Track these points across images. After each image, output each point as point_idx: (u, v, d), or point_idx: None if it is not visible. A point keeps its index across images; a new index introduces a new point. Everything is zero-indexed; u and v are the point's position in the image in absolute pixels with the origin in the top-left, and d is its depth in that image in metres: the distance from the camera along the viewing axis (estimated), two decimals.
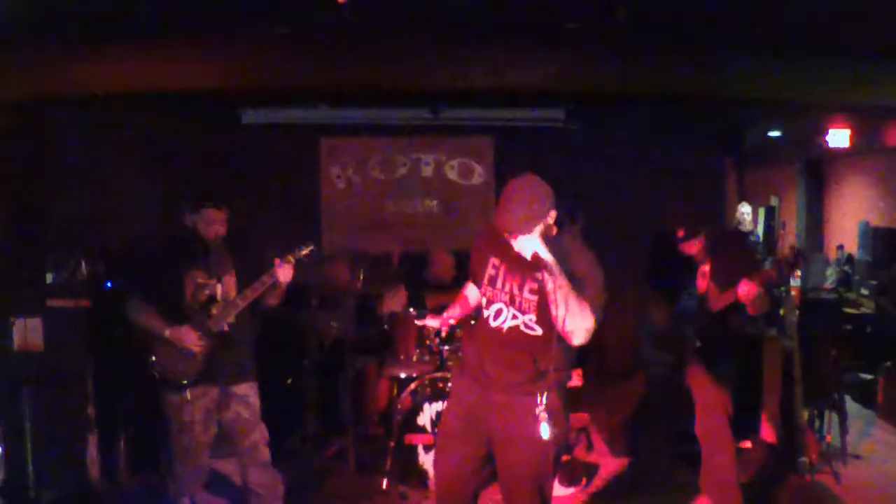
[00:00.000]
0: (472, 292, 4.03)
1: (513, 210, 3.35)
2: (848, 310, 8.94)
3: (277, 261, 4.42)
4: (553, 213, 3.47)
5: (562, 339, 3.41)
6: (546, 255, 3.31)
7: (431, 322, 4.17)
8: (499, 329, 3.61)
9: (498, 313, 3.62)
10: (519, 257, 3.44)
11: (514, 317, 3.57)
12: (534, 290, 3.54)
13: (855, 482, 5.62)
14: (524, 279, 3.56)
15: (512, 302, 3.58)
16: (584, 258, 3.61)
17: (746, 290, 4.63)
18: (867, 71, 5.84)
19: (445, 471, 3.84)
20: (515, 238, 3.38)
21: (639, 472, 5.57)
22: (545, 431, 3.35)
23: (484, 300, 3.71)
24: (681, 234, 4.90)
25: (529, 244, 3.33)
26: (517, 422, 3.51)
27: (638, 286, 5.40)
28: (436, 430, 4.04)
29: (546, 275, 3.32)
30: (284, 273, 4.42)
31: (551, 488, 3.70)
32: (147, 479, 5.55)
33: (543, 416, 3.36)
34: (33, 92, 5.66)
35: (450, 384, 3.94)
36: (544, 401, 3.37)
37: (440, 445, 3.92)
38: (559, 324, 3.33)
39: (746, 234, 10.83)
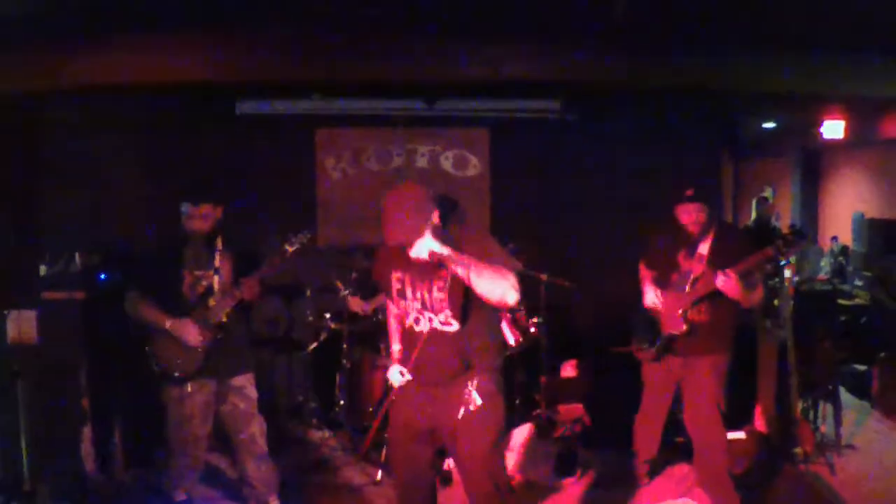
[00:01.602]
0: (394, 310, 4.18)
1: (398, 222, 3.54)
2: (842, 301, 8.96)
3: (242, 280, 4.44)
4: (436, 213, 3.62)
5: (489, 329, 3.81)
6: (441, 249, 3.47)
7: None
8: (420, 333, 3.77)
9: (416, 320, 3.79)
10: (419, 263, 3.59)
11: (430, 319, 3.74)
12: (441, 288, 3.69)
13: (849, 473, 5.64)
14: (431, 282, 3.71)
15: (425, 307, 3.74)
16: (477, 241, 3.71)
17: (724, 280, 4.61)
18: (862, 63, 5.84)
19: (401, 471, 4.02)
20: (411, 247, 3.53)
21: (633, 464, 5.57)
22: (476, 401, 3.67)
23: (400, 310, 3.88)
24: (689, 192, 4.84)
25: (423, 246, 3.49)
26: (452, 411, 3.71)
27: (633, 274, 5.38)
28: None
29: (450, 265, 3.49)
30: (249, 290, 4.45)
31: (504, 467, 3.92)
32: (142, 472, 5.55)
33: (473, 394, 3.68)
34: (27, 84, 5.63)
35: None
36: (474, 384, 3.70)
37: (393, 448, 4.09)
38: (486, 297, 3.48)
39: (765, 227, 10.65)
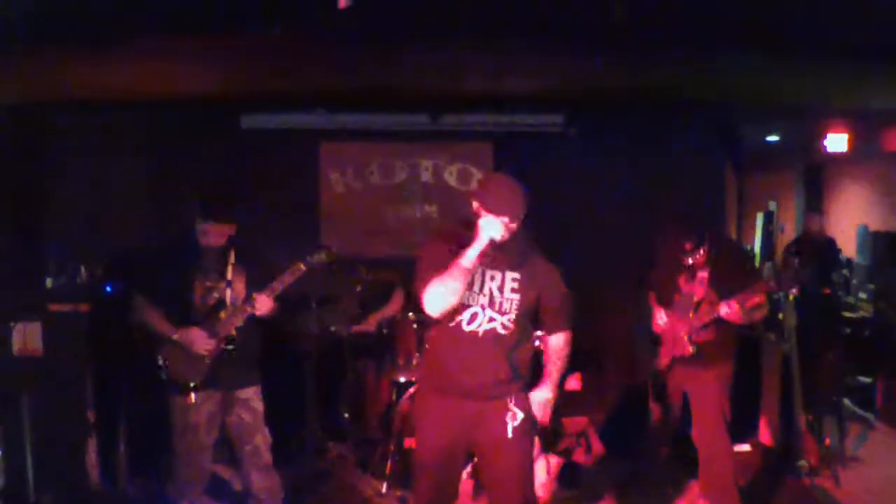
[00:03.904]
0: None
1: (517, 200, 3.44)
2: (846, 314, 8.95)
3: (255, 295, 4.44)
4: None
5: (530, 338, 3.71)
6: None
7: None
8: (474, 333, 3.55)
9: (473, 317, 3.55)
10: (494, 255, 3.48)
11: (491, 319, 3.54)
12: (515, 290, 3.56)
13: (854, 485, 5.62)
14: (503, 278, 3.55)
15: (491, 304, 3.54)
16: (544, 261, 3.73)
17: (727, 311, 4.65)
18: (866, 75, 5.85)
19: (432, 493, 3.75)
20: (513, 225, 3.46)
21: (638, 476, 5.57)
22: (519, 415, 3.56)
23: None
24: (688, 247, 4.86)
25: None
26: (494, 426, 3.58)
27: (636, 288, 5.39)
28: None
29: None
30: (262, 305, 4.45)
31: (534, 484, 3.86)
32: (146, 484, 5.55)
33: (515, 411, 3.56)
34: (32, 95, 5.67)
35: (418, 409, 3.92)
36: (512, 399, 3.58)
37: (425, 470, 3.74)
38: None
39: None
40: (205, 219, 4.44)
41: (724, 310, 4.66)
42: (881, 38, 5.06)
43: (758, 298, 4.70)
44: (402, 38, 5.35)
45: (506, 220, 3.41)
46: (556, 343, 3.75)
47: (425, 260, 3.57)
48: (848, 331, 8.35)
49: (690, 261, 4.91)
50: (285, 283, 4.49)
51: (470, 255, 3.37)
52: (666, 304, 5.11)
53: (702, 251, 4.87)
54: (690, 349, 4.90)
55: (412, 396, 5.59)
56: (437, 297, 3.39)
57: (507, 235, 3.43)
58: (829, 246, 8.95)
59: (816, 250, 8.64)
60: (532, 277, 3.59)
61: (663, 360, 5.07)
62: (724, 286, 4.75)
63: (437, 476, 3.70)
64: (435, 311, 3.43)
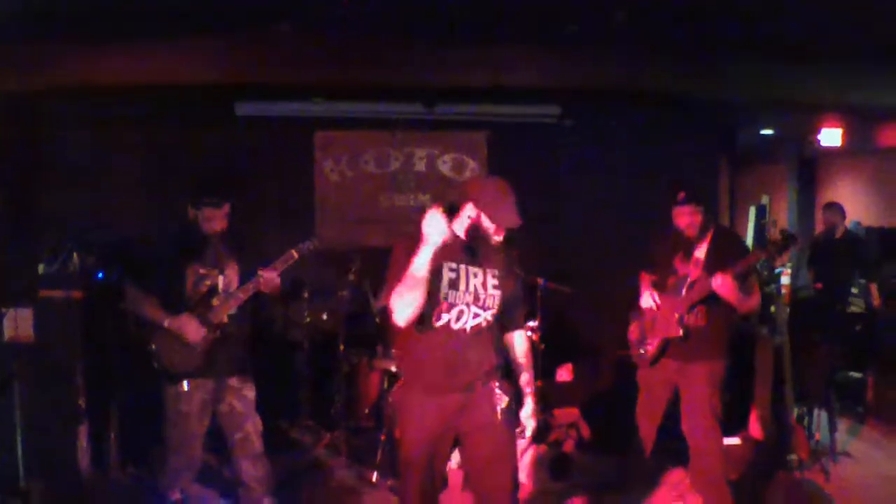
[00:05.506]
0: None
1: (515, 208, 3.54)
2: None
3: (261, 271, 4.44)
4: None
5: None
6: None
7: None
8: (462, 330, 3.62)
9: (460, 315, 3.61)
10: (474, 253, 3.61)
11: (476, 315, 3.63)
12: (496, 286, 3.67)
13: (844, 480, 5.65)
14: (485, 275, 3.65)
15: (476, 301, 3.62)
16: (509, 261, 3.84)
17: (721, 281, 4.63)
18: (860, 71, 5.85)
19: (422, 488, 3.72)
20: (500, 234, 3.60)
21: (628, 468, 5.58)
22: (504, 399, 3.64)
23: (444, 305, 3.59)
24: (681, 196, 4.86)
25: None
26: (481, 412, 3.64)
27: (631, 280, 5.39)
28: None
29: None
30: (268, 282, 4.45)
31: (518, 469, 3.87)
32: (137, 472, 5.55)
33: (501, 394, 3.64)
34: (27, 84, 5.63)
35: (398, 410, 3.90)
36: (496, 384, 3.66)
37: (413, 466, 3.70)
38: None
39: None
40: (204, 204, 4.44)
41: (716, 281, 4.64)
42: (876, 37, 5.07)
43: (749, 268, 4.71)
44: (400, 29, 5.34)
45: (505, 230, 3.58)
46: (521, 341, 3.91)
47: (392, 265, 3.60)
48: (839, 326, 8.36)
49: (684, 220, 4.88)
50: (277, 268, 4.50)
51: (418, 264, 3.37)
52: (660, 288, 5.09)
53: (697, 209, 4.86)
54: (681, 331, 4.87)
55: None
56: (401, 307, 3.42)
57: (450, 239, 3.44)
58: (851, 243, 8.68)
59: (830, 247, 8.56)
60: (506, 274, 3.73)
61: (651, 346, 5.05)
62: (718, 266, 4.73)
63: (425, 470, 3.70)
64: (402, 320, 3.44)
